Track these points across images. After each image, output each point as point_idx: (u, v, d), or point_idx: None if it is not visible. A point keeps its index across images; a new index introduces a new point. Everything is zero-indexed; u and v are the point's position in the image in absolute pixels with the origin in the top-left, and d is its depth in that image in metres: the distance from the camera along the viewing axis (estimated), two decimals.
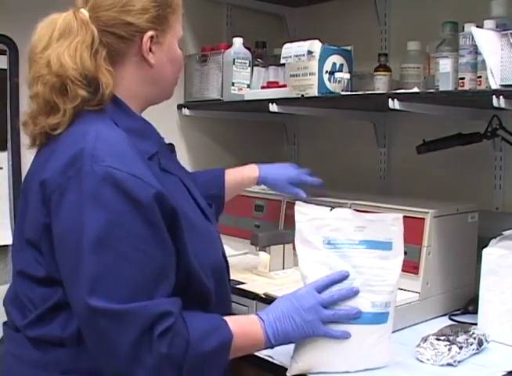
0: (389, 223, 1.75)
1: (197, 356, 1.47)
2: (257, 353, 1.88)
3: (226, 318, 1.58)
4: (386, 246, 1.75)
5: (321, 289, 1.67)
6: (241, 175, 2.38)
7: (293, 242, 2.30)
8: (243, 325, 1.63)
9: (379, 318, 1.72)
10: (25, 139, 2.38)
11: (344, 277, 1.67)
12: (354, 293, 1.67)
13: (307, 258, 1.74)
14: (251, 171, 2.40)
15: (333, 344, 1.68)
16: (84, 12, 1.57)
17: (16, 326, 1.59)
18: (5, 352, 1.61)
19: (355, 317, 1.67)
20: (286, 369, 1.77)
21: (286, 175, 2.44)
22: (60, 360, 1.53)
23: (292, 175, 2.46)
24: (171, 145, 1.83)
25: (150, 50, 1.62)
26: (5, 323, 1.67)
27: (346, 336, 1.67)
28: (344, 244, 1.72)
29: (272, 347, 1.66)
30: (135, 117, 1.66)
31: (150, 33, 1.60)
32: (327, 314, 1.65)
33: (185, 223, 1.57)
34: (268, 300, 2.10)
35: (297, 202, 1.82)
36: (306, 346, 1.70)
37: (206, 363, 1.49)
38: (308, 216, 1.76)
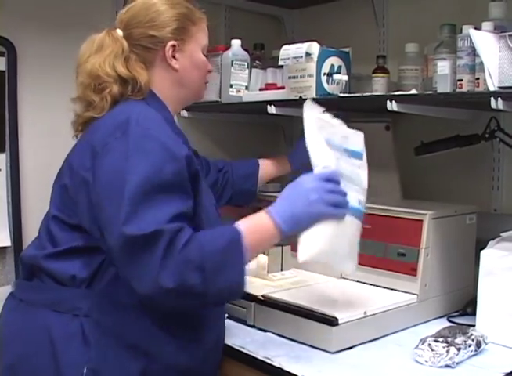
0: (361, 137, 1.97)
1: (213, 254, 1.63)
2: (255, 355, 1.89)
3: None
4: (359, 156, 1.94)
5: (324, 178, 1.80)
6: (275, 170, 2.59)
7: (290, 244, 2.33)
8: (250, 219, 1.78)
9: (360, 215, 1.91)
10: (23, 141, 2.41)
11: (338, 181, 1.83)
12: (344, 194, 1.83)
13: (315, 148, 1.87)
14: (283, 166, 2.59)
15: (330, 233, 1.79)
16: (119, 31, 1.92)
17: (28, 274, 1.85)
18: (11, 299, 1.86)
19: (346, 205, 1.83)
20: (284, 371, 1.77)
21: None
22: (65, 299, 1.74)
23: None
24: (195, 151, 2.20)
25: (174, 57, 1.93)
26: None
27: (343, 214, 1.81)
28: (336, 147, 1.89)
29: (286, 236, 1.77)
30: (169, 112, 1.96)
31: (172, 42, 1.91)
32: (329, 196, 1.78)
33: (199, 199, 1.81)
34: (266, 302, 2.11)
35: (306, 102, 2.01)
36: (310, 236, 1.77)
37: (224, 260, 1.65)
38: (315, 114, 1.95)
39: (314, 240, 1.77)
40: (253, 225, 1.75)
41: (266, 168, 2.56)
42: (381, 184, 2.57)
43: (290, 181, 1.84)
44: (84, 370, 1.68)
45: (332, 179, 1.81)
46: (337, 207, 1.79)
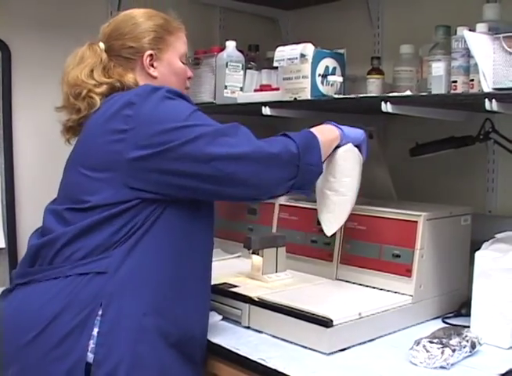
0: None
1: (300, 140, 1.92)
2: (250, 356, 1.90)
3: None
4: None
5: None
6: None
7: (284, 245, 2.34)
8: (314, 127, 2.05)
9: None
10: (17, 142, 2.42)
11: None
12: None
13: None
14: None
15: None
16: (101, 45, 2.02)
17: (31, 261, 1.87)
18: (7, 292, 1.88)
19: None
20: (279, 372, 1.78)
21: None
22: (80, 265, 1.78)
23: None
24: None
25: (153, 66, 2.02)
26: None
27: None
28: None
29: (344, 136, 2.11)
30: None
31: (149, 52, 2.01)
32: None
33: None
34: (261, 303, 2.12)
35: None
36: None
37: (307, 145, 1.93)
38: None
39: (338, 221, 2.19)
40: (319, 129, 2.04)
41: None
42: (374, 188, 2.58)
43: None
44: (95, 332, 1.72)
45: None
46: None
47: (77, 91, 1.94)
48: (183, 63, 2.10)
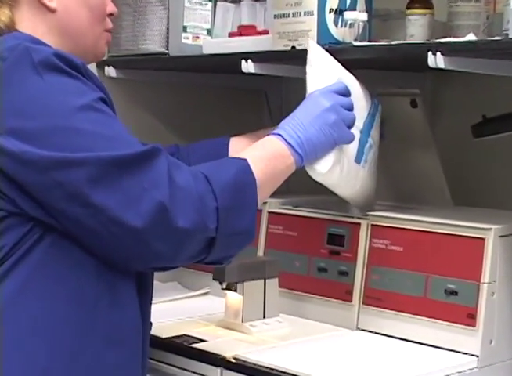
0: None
1: (222, 185, 1.87)
2: None
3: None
4: None
5: (339, 92, 2.21)
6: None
7: (276, 276, 2.31)
8: (258, 146, 2.08)
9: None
10: None
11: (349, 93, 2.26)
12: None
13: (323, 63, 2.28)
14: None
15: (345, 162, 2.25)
16: None
17: None
18: None
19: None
20: None
21: None
22: None
23: None
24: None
25: None
26: None
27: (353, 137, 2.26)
28: None
29: (303, 161, 2.08)
30: None
31: None
32: (348, 114, 2.20)
33: None
34: (240, 366, 2.12)
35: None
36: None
37: (235, 193, 1.89)
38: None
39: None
40: (263, 152, 2.05)
41: (240, 144, 2.52)
42: (417, 185, 2.56)
43: None
44: None
45: (346, 93, 2.23)
46: (350, 127, 2.22)
47: None
48: None
